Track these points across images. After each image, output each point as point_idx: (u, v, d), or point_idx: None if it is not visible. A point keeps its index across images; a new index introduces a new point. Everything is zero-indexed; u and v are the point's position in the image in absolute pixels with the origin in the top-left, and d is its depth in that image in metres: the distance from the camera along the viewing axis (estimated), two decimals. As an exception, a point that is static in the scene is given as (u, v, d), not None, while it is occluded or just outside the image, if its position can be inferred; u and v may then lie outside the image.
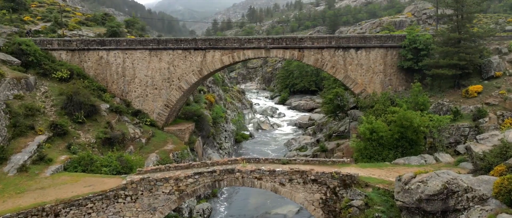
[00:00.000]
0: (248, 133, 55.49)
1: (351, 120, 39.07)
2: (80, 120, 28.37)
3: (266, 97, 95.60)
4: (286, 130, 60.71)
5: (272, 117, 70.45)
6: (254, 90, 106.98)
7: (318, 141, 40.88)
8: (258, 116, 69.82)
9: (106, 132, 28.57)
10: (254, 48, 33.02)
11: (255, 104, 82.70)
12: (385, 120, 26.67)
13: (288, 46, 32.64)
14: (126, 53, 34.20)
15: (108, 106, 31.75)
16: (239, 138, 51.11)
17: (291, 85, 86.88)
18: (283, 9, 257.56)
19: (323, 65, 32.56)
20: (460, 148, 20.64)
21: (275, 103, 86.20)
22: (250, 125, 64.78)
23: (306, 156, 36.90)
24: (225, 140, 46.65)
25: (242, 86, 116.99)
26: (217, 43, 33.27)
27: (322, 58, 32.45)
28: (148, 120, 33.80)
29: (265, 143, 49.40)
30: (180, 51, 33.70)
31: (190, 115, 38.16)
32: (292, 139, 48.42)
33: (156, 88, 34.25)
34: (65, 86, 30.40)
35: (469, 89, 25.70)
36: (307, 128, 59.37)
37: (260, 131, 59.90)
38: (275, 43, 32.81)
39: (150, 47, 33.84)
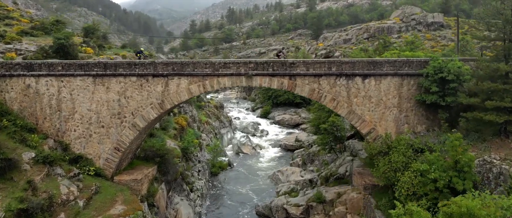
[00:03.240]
0: (227, 159, 47.79)
1: (352, 158, 32.03)
2: (-15, 183, 20.05)
3: (247, 109, 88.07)
4: (270, 153, 53.36)
5: (254, 135, 62.98)
6: (234, 100, 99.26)
7: (311, 181, 33.61)
8: (238, 135, 62.14)
9: (23, 199, 20.28)
10: (232, 75, 25.36)
11: (235, 118, 75.08)
12: (410, 180, 19.64)
13: (276, 73, 25.15)
14: (63, 81, 25.87)
15: (33, 155, 23.39)
16: (216, 170, 43.31)
17: (274, 97, 79.69)
18: (263, 10, 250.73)
19: (321, 97, 25.23)
20: (544, 251, 13.89)
21: (257, 117, 78.84)
22: (229, 146, 57.12)
23: (298, 206, 29.52)
24: (198, 175, 38.78)
25: (221, 95, 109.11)
26: (183, 68, 25.43)
27: (320, 88, 25.12)
28: (92, 168, 25.61)
29: (246, 177, 41.75)
30: (134, 79, 25.67)
31: (151, 155, 30.12)
32: (278, 171, 40.98)
33: (102, 127, 26.08)
34: (-32, 133, 21.96)
35: (527, 142, 19.07)
36: (294, 151, 52.40)
37: (241, 155, 52.31)
38: (259, 68, 25.24)
39: (94, 73, 25.65)
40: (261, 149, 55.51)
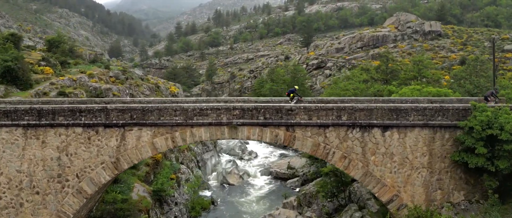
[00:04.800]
0: (210, 196, 41.50)
1: (361, 214, 26.16)
2: None
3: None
4: (260, 183, 47.16)
5: (241, 158, 56.83)
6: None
7: (310, 239, 27.69)
8: (223, 159, 55.87)
9: None
10: (210, 124, 19.20)
11: (220, 136, 68.62)
12: None
13: (268, 123, 19.08)
14: (-18, 133, 19.31)
15: None
16: (196, 213, 36.85)
17: (263, 112, 73.64)
18: (250, 13, 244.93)
19: (328, 154, 19.26)
20: None
21: (244, 134, 72.65)
22: (214, 174, 50.77)
23: None
24: (174, 223, 32.52)
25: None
26: (145, 116, 19.13)
27: (326, 142, 19.13)
28: (22, 250, 19.16)
29: (232, 222, 35.54)
30: (79, 130, 19.25)
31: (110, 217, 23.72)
32: (269, 215, 34.84)
33: (37, 193, 19.58)
34: None
35: None
36: (286, 180, 46.55)
37: (226, 187, 46.04)
38: (246, 116, 19.13)
39: (25, 122, 19.15)
40: (249, 177, 49.37)
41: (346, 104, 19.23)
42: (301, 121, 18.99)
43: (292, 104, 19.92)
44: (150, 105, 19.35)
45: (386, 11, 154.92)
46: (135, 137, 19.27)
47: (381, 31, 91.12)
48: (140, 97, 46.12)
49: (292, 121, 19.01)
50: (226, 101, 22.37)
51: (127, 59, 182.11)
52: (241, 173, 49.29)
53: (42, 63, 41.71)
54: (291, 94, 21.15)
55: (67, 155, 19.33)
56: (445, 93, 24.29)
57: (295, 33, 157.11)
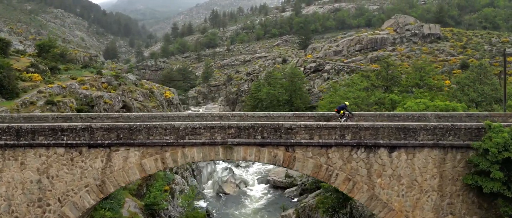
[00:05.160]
0: (205, 207, 40.05)
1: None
2: None
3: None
4: (257, 193, 45.82)
5: (238, 166, 55.36)
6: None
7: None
8: (219, 167, 54.34)
9: None
10: (203, 144, 17.77)
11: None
12: None
13: (266, 142, 17.67)
14: (-45, 154, 17.78)
15: None
16: (190, 227, 35.47)
17: (261, 116, 72.01)
18: (247, 13, 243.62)
19: (331, 176, 17.88)
20: None
21: (241, 138, 71.13)
22: (209, 183, 49.36)
23: None
24: (167, 239, 31.06)
25: (203, 108, 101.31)
26: (133, 136, 17.66)
27: (329, 163, 17.76)
28: None
29: (228, 237, 34.17)
30: (61, 151, 17.75)
31: (97, 240, 22.24)
32: (267, 231, 33.64)
33: (16, 219, 18.08)
34: None
35: None
36: (284, 190, 45.23)
37: (222, 197, 44.61)
38: (242, 135, 17.72)
39: (3, 143, 17.63)
40: (246, 186, 48.01)
41: (350, 123, 17.82)
42: (302, 140, 17.60)
43: (342, 121, 18.46)
44: (138, 123, 17.87)
45: (383, 12, 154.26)
46: (122, 158, 17.79)
47: (379, 33, 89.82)
48: (133, 103, 44.62)
49: (292, 140, 17.62)
50: (221, 117, 20.99)
51: (123, 60, 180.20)
52: (237, 182, 47.89)
53: (31, 69, 40.14)
54: (341, 111, 19.52)
55: (48, 178, 17.82)
56: (454, 108, 22.96)
57: (292, 35, 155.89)
